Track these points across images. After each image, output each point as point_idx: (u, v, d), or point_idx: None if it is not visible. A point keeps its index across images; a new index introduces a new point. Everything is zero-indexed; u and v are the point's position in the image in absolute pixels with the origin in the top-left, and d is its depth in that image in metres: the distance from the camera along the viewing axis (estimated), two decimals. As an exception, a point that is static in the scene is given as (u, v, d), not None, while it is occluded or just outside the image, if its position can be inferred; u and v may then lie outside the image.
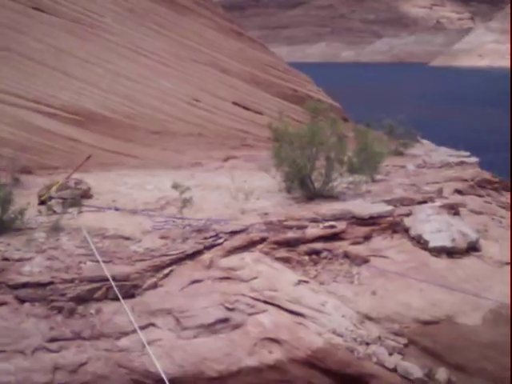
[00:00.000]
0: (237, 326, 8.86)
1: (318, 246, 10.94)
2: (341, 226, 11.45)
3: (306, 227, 11.28)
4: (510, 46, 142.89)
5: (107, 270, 9.17)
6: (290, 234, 11.02)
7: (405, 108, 37.19)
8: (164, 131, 19.80)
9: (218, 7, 30.06)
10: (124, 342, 8.52)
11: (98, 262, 9.42)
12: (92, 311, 8.89)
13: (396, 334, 9.28)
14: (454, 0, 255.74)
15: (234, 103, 22.82)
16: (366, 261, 10.85)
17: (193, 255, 10.13)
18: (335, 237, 11.25)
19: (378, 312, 9.56)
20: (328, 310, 9.38)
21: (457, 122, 46.25)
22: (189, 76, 23.06)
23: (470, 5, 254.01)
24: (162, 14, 25.13)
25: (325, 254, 10.82)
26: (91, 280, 9.13)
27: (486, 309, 10.00)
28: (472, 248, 11.71)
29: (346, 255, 10.89)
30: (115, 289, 9.00)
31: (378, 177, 15.01)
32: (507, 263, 11.71)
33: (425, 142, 22.15)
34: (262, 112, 22.68)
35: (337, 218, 11.64)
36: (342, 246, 11.04)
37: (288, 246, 10.81)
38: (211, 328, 8.77)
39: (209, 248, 10.38)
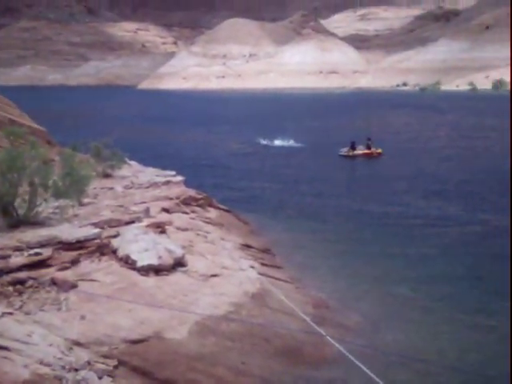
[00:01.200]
0: None
1: (22, 275, 10.51)
2: (47, 252, 11.14)
3: (9, 257, 10.79)
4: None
5: None
6: (-8, 265, 10.46)
7: (113, 130, 37.46)
8: None
9: None
10: None
11: None
12: None
13: (105, 356, 9.23)
14: (158, 25, 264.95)
15: None
16: (73, 286, 10.67)
17: None
18: (41, 264, 10.91)
19: (87, 336, 9.45)
20: (34, 341, 9.02)
21: (164, 142, 47.60)
22: None
23: (173, 29, 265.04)
24: None
25: (30, 282, 10.44)
26: None
27: (192, 322, 10.42)
28: (178, 264, 12.14)
29: (53, 282, 10.61)
30: None
31: (86, 200, 14.92)
32: (212, 275, 12.35)
33: (133, 163, 22.54)
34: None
35: (42, 245, 11.31)
36: (48, 273, 10.75)
37: (-10, 277, 10.24)
38: None
39: None
